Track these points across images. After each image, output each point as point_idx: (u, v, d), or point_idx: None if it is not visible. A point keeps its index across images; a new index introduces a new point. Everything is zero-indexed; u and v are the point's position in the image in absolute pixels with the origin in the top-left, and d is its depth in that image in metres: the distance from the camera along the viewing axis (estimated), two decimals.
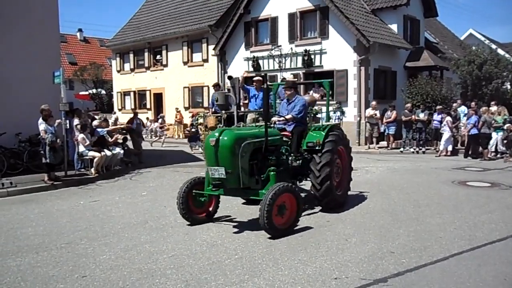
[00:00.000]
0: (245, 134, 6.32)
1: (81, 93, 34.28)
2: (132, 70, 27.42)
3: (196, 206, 6.54)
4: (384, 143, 17.08)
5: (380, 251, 5.14)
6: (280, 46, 19.57)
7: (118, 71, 28.50)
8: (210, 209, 6.71)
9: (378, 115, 16.65)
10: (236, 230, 6.14)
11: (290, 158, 6.97)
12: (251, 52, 21.01)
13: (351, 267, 4.65)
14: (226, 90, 9.82)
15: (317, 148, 6.95)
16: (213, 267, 4.71)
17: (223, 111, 9.71)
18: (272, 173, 6.16)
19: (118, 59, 28.42)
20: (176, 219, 6.68)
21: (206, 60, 23.27)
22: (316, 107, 9.12)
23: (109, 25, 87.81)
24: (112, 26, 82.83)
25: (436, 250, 5.15)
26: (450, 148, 15.13)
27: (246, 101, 11.82)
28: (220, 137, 5.99)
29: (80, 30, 42.94)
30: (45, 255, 5.23)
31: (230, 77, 9.61)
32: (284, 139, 7.11)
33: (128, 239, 5.81)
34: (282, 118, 7.31)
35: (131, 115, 14.84)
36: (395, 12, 19.63)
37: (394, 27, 19.73)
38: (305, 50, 18.84)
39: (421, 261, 4.81)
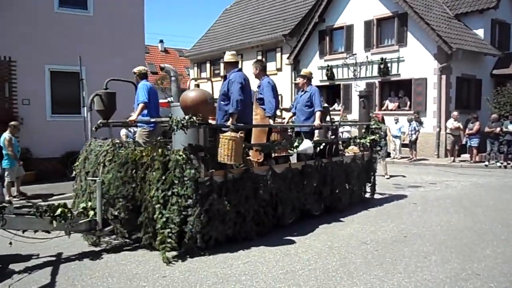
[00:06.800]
0: None
1: (161, 101, 36.21)
2: (208, 79, 28.46)
3: None
4: (466, 156, 16.01)
5: (464, 272, 4.83)
6: (355, 54, 19.28)
7: (195, 80, 29.78)
8: None
9: (461, 126, 15.66)
10: (309, 240, 6.11)
11: None
12: (325, 60, 20.88)
13: (432, 287, 4.43)
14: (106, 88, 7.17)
15: None
16: (287, 277, 4.73)
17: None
18: None
19: (195, 68, 29.78)
20: None
21: (280, 69, 23.50)
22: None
23: (188, 36, 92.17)
24: (190, 37, 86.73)
25: None
26: None
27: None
28: None
29: (161, 41, 45.45)
30: (131, 254, 5.59)
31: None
32: None
33: None
34: None
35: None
36: (482, 16, 18.44)
37: (480, 32, 18.53)
38: (381, 58, 18.32)
39: None
